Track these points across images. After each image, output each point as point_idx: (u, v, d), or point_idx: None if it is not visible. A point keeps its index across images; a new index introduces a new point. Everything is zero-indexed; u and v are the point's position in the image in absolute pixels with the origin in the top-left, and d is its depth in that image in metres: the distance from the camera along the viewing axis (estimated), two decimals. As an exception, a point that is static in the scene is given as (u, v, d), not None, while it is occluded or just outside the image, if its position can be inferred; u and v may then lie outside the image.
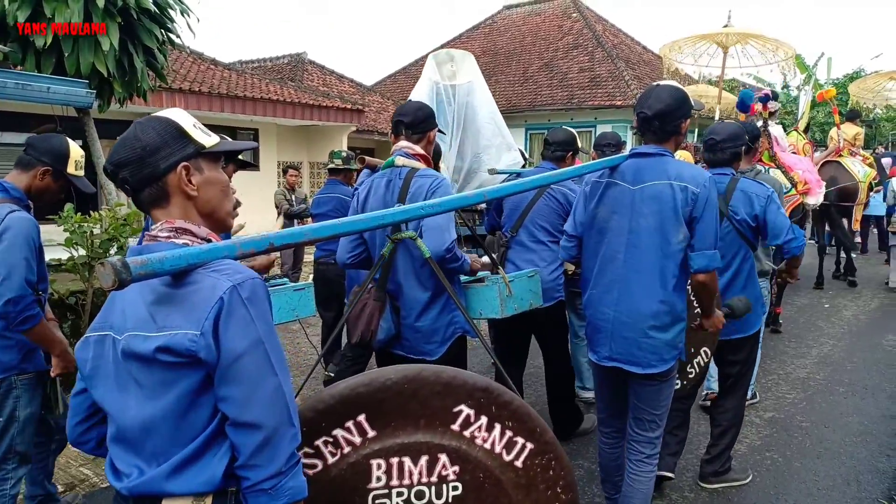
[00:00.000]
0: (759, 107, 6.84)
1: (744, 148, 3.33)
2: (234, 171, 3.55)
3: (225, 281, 1.27)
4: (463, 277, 3.03)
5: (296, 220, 8.04)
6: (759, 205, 3.15)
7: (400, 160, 2.79)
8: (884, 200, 8.93)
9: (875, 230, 12.01)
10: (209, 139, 1.44)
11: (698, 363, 3.23)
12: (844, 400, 4.63)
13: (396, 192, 2.74)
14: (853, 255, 9.28)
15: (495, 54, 25.46)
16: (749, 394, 4.12)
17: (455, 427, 1.74)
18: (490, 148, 6.59)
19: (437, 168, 4.22)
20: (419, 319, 2.72)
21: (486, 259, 3.44)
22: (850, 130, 9.29)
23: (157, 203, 1.38)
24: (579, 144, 3.96)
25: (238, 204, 3.29)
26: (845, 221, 8.84)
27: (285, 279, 3.69)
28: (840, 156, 8.73)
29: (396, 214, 1.97)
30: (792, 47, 7.62)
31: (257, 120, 13.98)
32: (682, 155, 6.72)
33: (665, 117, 2.49)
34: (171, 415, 1.27)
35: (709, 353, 3.17)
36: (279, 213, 8.12)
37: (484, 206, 4.68)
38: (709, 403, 4.19)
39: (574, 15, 25.08)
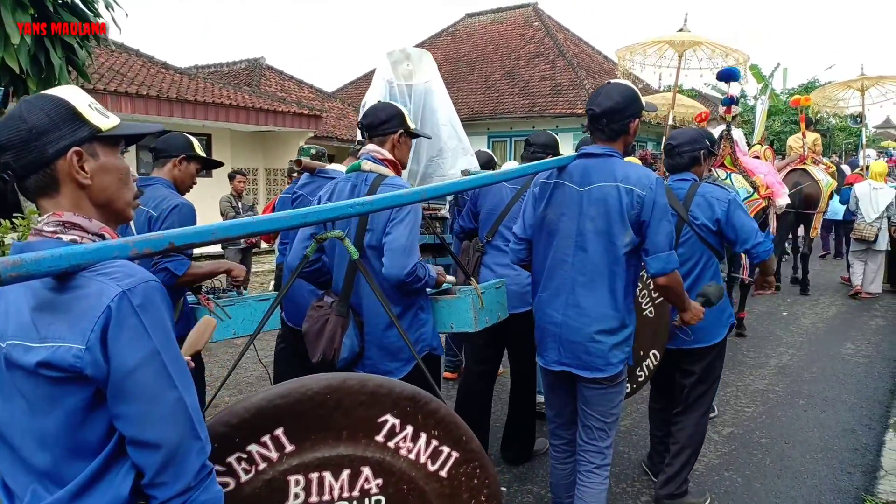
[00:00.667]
0: (722, 110, 6.78)
1: (703, 153, 3.22)
2: (199, 171, 3.27)
3: (113, 286, 1.14)
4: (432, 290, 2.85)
5: (242, 229, 7.67)
6: (720, 209, 3.07)
7: (367, 165, 2.61)
8: (842, 203, 8.98)
9: (832, 236, 12.13)
10: (106, 121, 1.30)
11: (647, 366, 3.17)
12: (804, 413, 4.48)
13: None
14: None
15: (458, 62, 25.41)
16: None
17: (379, 438, 1.66)
18: (446, 152, 6.39)
19: None
20: (384, 336, 2.54)
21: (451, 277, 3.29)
22: (808, 137, 9.26)
23: (44, 192, 1.25)
24: (559, 149, 3.87)
25: (140, 193, 2.98)
26: (802, 228, 8.90)
27: (233, 292, 3.40)
28: (804, 163, 8.73)
29: (321, 213, 1.78)
30: (745, 54, 7.52)
31: (210, 125, 13.57)
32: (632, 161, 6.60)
33: (613, 115, 2.44)
34: (62, 432, 1.16)
35: (657, 355, 3.09)
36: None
37: (446, 213, 4.59)
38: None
39: (535, 24, 25.18)
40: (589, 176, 2.46)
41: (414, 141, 6.56)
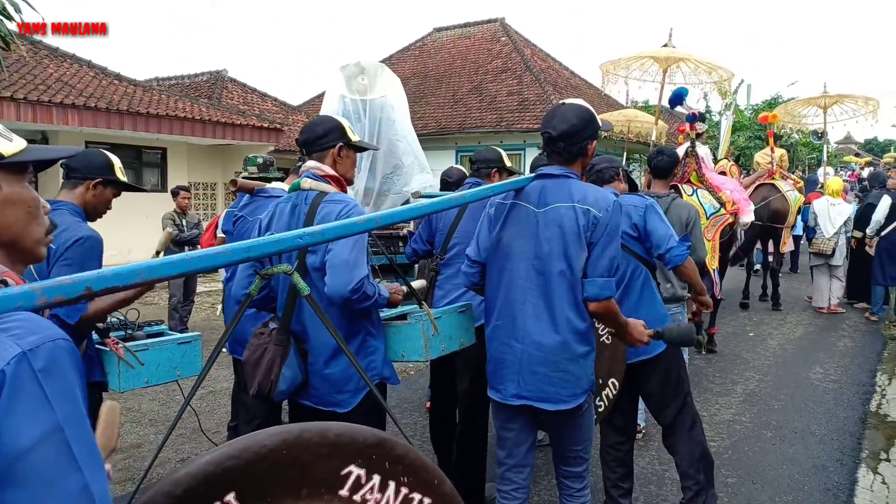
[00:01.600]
0: (686, 127, 6.81)
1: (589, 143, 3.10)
2: (116, 196, 2.91)
3: (11, 346, 0.95)
4: (385, 312, 2.66)
5: (186, 247, 7.26)
6: (637, 215, 3.05)
7: (307, 183, 2.44)
8: (803, 221, 9.07)
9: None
10: (9, 145, 1.11)
11: (607, 395, 3.05)
12: (773, 447, 4.22)
13: (302, 218, 2.38)
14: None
15: (425, 76, 25.25)
16: (639, 420, 4.01)
17: (344, 492, 1.48)
18: (401, 168, 6.16)
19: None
20: (329, 365, 2.36)
21: (418, 283, 3.10)
22: (776, 153, 9.39)
23: None
24: (508, 163, 3.76)
25: (53, 227, 2.65)
26: (771, 244, 8.96)
27: (164, 326, 3.05)
28: (773, 178, 8.85)
29: (265, 245, 1.60)
30: (729, 71, 7.55)
31: (165, 138, 13.11)
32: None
33: (571, 138, 2.36)
34: None
35: (617, 383, 2.98)
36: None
37: (408, 230, 4.46)
38: (640, 436, 4.13)
39: (503, 39, 25.18)
40: (546, 197, 2.37)
41: (369, 157, 6.28)
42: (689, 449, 3.06)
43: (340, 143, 2.48)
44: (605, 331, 2.96)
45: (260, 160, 4.55)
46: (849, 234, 8.58)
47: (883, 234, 7.94)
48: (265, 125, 14.18)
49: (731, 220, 6.35)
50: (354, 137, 2.58)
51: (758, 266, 9.81)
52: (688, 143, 6.15)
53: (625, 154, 11.45)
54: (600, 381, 2.97)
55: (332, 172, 2.47)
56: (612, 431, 3.21)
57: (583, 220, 2.28)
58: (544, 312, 2.32)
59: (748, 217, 6.61)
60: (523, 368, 2.35)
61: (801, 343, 6.97)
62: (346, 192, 2.52)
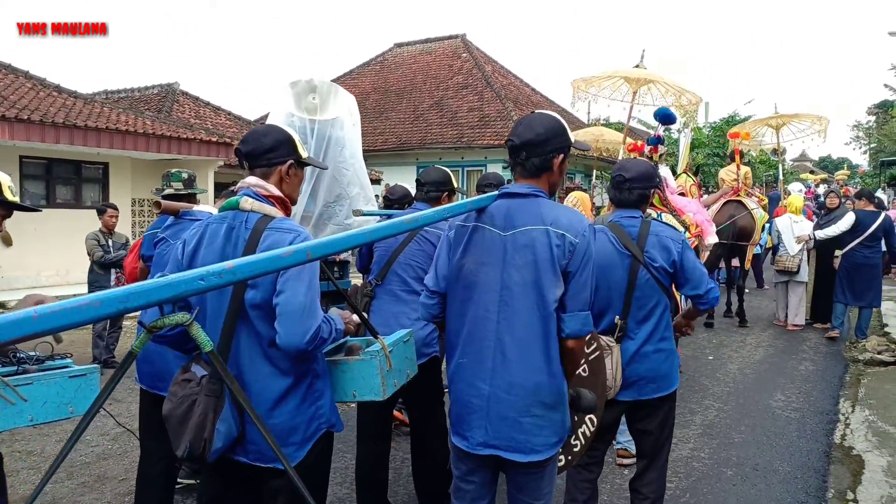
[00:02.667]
0: (647, 149, 6.84)
1: (653, 191, 3.01)
2: (6, 216, 2.61)
3: None
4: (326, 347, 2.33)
5: (113, 270, 6.73)
6: (676, 250, 2.84)
7: (247, 202, 2.10)
8: (768, 234, 9.13)
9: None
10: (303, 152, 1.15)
11: (583, 433, 2.79)
12: (733, 488, 3.90)
13: (241, 245, 2.05)
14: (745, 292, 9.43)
15: (386, 91, 25.01)
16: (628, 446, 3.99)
17: None
18: (345, 199, 5.78)
19: None
20: (272, 414, 2.04)
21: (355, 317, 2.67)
22: (741, 170, 9.46)
23: None
24: (455, 184, 3.60)
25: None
26: (736, 261, 9.02)
27: (68, 360, 2.63)
28: (738, 195, 8.89)
29: (152, 292, 1.35)
30: (697, 95, 7.57)
31: (106, 153, 12.51)
32: (579, 196, 6.52)
33: (534, 148, 2.13)
34: None
35: (594, 420, 2.76)
36: (92, 262, 6.76)
37: (347, 256, 4.31)
38: (624, 462, 4.09)
39: (464, 55, 25.09)
40: (513, 219, 2.11)
41: (311, 181, 5.82)
42: (659, 483, 2.98)
43: (291, 160, 2.18)
44: (583, 362, 2.70)
45: (185, 175, 4.13)
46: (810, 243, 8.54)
47: (845, 251, 7.84)
48: (214, 139, 13.64)
49: (695, 244, 6.19)
50: (304, 154, 2.27)
51: (721, 283, 9.79)
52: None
53: (594, 172, 11.47)
54: (576, 419, 2.73)
55: (276, 192, 2.16)
56: (588, 452, 2.99)
57: (557, 245, 2.05)
58: (513, 350, 2.07)
59: (712, 238, 6.50)
60: (492, 413, 2.09)
61: (761, 367, 6.72)
62: (289, 215, 2.21)
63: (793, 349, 7.52)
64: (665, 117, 7.05)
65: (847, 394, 5.76)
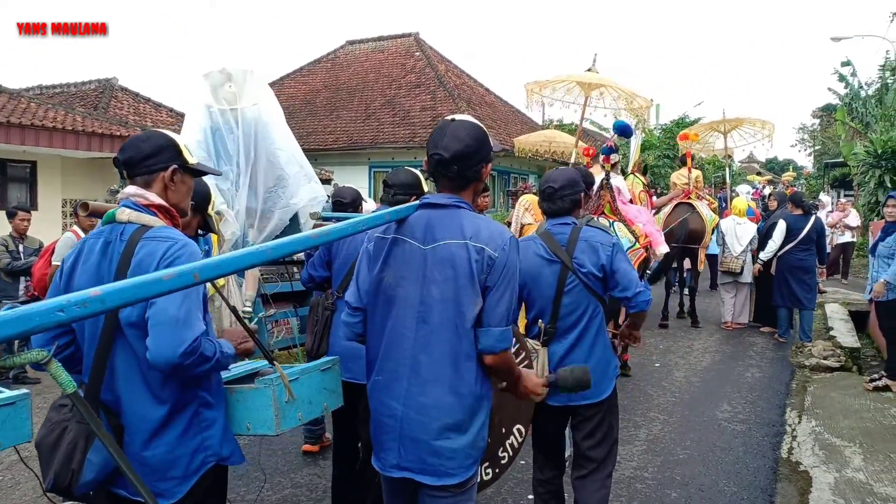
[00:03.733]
0: (601, 159, 6.82)
1: (583, 194, 3.04)
2: None
3: None
4: (237, 369, 2.25)
5: (23, 278, 6.20)
6: (605, 254, 2.83)
7: (125, 213, 1.96)
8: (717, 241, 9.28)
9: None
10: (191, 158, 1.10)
11: (511, 445, 2.74)
12: (677, 512, 3.69)
13: (115, 259, 1.91)
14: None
15: (337, 89, 24.53)
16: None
17: None
18: (286, 179, 5.49)
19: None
20: (149, 446, 1.90)
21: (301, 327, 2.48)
22: (692, 173, 9.70)
23: None
24: (425, 188, 3.31)
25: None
26: (688, 261, 9.12)
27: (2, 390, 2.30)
28: (689, 198, 9.04)
29: (16, 322, 1.20)
30: (648, 100, 7.63)
31: (34, 151, 11.81)
32: (531, 199, 6.52)
33: (466, 160, 2.05)
34: None
35: (523, 431, 2.74)
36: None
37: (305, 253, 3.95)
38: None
39: (417, 54, 24.77)
40: (433, 231, 2.03)
41: (248, 173, 5.42)
42: (599, 497, 2.90)
43: (174, 166, 2.04)
44: None
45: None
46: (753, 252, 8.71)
47: (779, 254, 7.96)
48: (151, 137, 13.03)
49: (644, 255, 6.21)
50: (192, 159, 2.12)
51: (674, 284, 9.86)
52: (602, 175, 6.00)
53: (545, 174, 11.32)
54: (503, 430, 2.70)
55: (158, 201, 2.02)
56: (546, 465, 3.01)
57: (476, 260, 1.97)
58: (428, 369, 1.99)
59: (662, 248, 6.60)
60: (404, 434, 2.01)
61: (708, 374, 6.59)
62: (178, 226, 2.06)
63: (739, 355, 7.43)
64: (622, 130, 7.18)
65: (793, 402, 5.64)
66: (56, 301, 1.26)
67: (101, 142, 12.22)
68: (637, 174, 8.95)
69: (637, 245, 5.94)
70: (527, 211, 6.49)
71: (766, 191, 20.03)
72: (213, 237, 4.02)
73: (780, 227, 7.97)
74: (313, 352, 3.32)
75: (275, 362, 2.17)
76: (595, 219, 4.24)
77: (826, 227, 13.63)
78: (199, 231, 3.44)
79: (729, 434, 4.91)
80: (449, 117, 2.15)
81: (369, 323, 2.15)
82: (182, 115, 18.81)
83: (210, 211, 3.33)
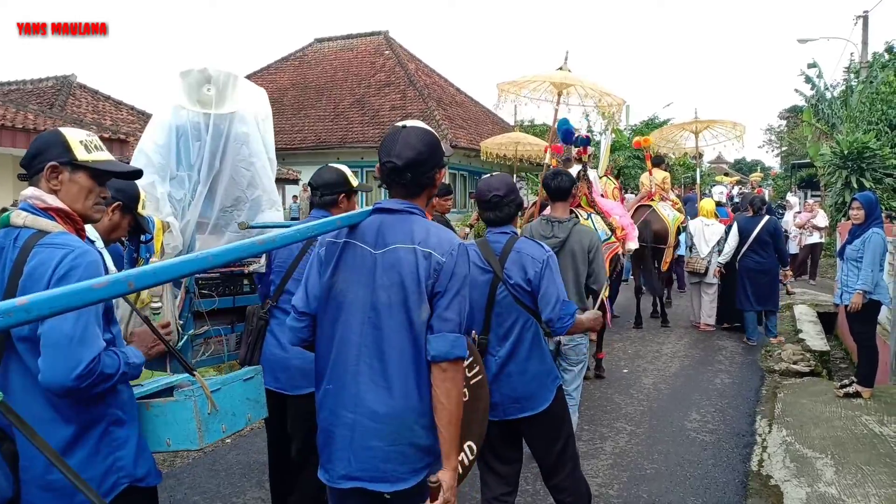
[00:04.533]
0: (575, 151, 6.87)
1: (520, 201, 3.03)
2: None
3: None
4: (144, 388, 2.11)
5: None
6: (533, 269, 2.77)
7: (20, 217, 1.85)
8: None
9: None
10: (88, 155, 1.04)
11: (461, 462, 2.52)
12: (643, 534, 3.48)
13: (8, 267, 1.80)
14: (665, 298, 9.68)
15: (305, 88, 24.18)
16: None
17: None
18: (244, 203, 5.13)
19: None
20: (53, 469, 1.70)
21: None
22: (658, 175, 9.71)
23: None
24: (353, 183, 3.23)
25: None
26: (655, 262, 9.07)
27: None
28: (652, 200, 9.11)
29: None
30: (619, 98, 7.48)
31: (-20, 150, 11.30)
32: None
33: (419, 167, 2.04)
34: None
35: (474, 448, 2.59)
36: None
37: (260, 266, 3.87)
38: None
39: (386, 52, 24.52)
40: (384, 236, 2.02)
41: (207, 183, 5.17)
42: (575, 487, 2.93)
43: (52, 163, 1.86)
44: (464, 387, 2.43)
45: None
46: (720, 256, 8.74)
47: (739, 257, 7.96)
48: (107, 136, 12.58)
49: (619, 248, 6.20)
50: (86, 156, 1.92)
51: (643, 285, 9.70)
52: (579, 167, 5.93)
53: (514, 175, 11.30)
54: None
55: (56, 204, 1.87)
56: (497, 483, 2.95)
57: (423, 265, 1.96)
58: (380, 375, 1.96)
59: (633, 244, 6.55)
60: (355, 443, 1.96)
61: (676, 381, 6.42)
62: (81, 233, 1.93)
63: (708, 359, 7.29)
64: (565, 136, 7.11)
65: (763, 410, 5.50)
66: (21, 300, 1.22)
67: (53, 140, 11.77)
68: (610, 177, 9.31)
69: (613, 238, 5.93)
70: None
71: (735, 191, 20.15)
72: (157, 246, 3.83)
73: (733, 230, 8.05)
74: (245, 362, 3.19)
75: (195, 372, 2.08)
76: (578, 223, 4.21)
77: (793, 227, 13.73)
78: (142, 237, 3.23)
79: (698, 446, 4.73)
80: (400, 124, 2.13)
81: (319, 330, 2.10)
82: (144, 114, 18.38)
83: (140, 210, 3.20)
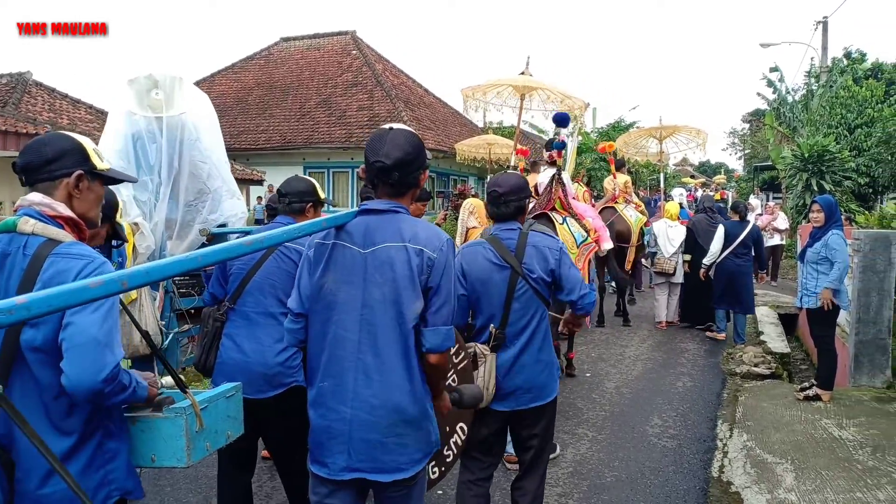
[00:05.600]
0: (546, 154, 6.82)
1: (527, 200, 3.11)
2: None
3: None
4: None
5: None
6: (553, 258, 2.92)
7: (28, 224, 1.80)
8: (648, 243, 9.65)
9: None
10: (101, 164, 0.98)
11: (455, 443, 2.84)
12: (602, 546, 3.40)
13: (17, 275, 1.77)
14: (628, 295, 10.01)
15: (271, 87, 23.82)
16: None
17: None
18: (206, 194, 5.20)
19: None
20: (48, 483, 1.76)
21: (167, 379, 2.26)
22: (621, 178, 10.07)
23: None
24: (321, 194, 3.34)
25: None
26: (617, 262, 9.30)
27: None
28: (616, 202, 9.42)
29: None
30: (581, 100, 7.64)
31: (-75, 149, 10.86)
32: (475, 203, 6.59)
33: (406, 167, 2.15)
34: None
35: (465, 429, 2.83)
36: None
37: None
38: (512, 466, 3.95)
39: (354, 52, 24.28)
40: (372, 235, 2.13)
41: (170, 182, 5.12)
42: (539, 491, 3.05)
43: (79, 171, 1.88)
44: (452, 372, 2.75)
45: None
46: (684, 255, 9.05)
47: (717, 261, 8.15)
48: (61, 135, 12.18)
49: (595, 249, 6.22)
50: (102, 164, 1.96)
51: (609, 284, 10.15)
52: (554, 170, 5.98)
53: (488, 177, 11.45)
54: (448, 429, 2.77)
55: (66, 212, 1.86)
56: (477, 467, 3.01)
57: (416, 261, 2.07)
58: (375, 369, 2.07)
59: (607, 244, 6.67)
60: (354, 436, 2.07)
61: (639, 385, 6.39)
62: (85, 239, 1.91)
63: (671, 362, 7.28)
64: (560, 120, 7.03)
65: (724, 414, 5.48)
66: (38, 295, 1.31)
67: (4, 140, 11.38)
68: (580, 183, 9.90)
69: (589, 239, 5.99)
70: (471, 214, 6.44)
71: (699, 193, 20.40)
72: (129, 249, 3.80)
73: (719, 233, 8.17)
74: (200, 364, 3.16)
75: (187, 390, 2.05)
76: (535, 223, 4.23)
77: (757, 230, 13.94)
78: (113, 242, 3.23)
79: (659, 452, 4.68)
80: (386, 126, 2.21)
81: (310, 329, 2.18)
82: (103, 112, 17.91)
83: (118, 219, 3.25)
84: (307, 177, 3.43)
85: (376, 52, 25.41)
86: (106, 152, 3.65)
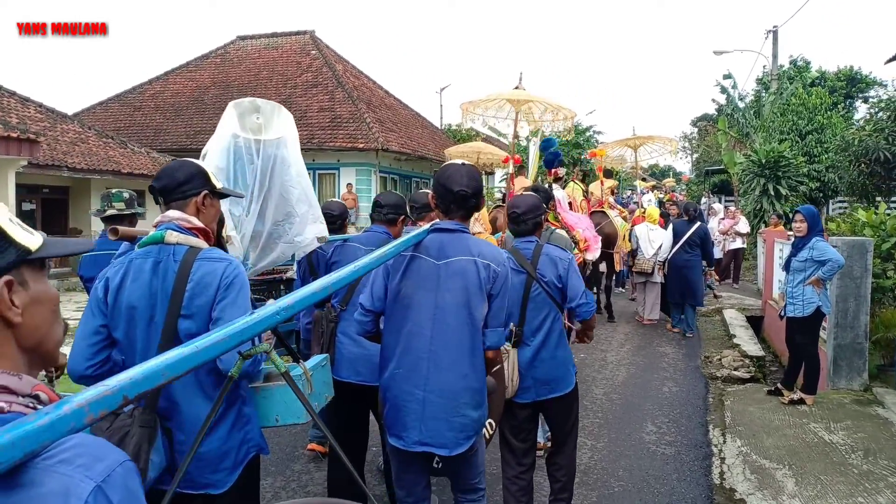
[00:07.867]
0: (552, 171, 7.85)
1: (543, 217, 3.51)
2: None
3: (82, 479, 0.83)
4: None
5: None
6: (562, 267, 3.30)
7: (173, 236, 2.16)
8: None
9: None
10: (33, 239, 1.01)
11: (484, 435, 2.95)
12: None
13: (170, 278, 2.13)
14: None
15: (227, 87, 23.23)
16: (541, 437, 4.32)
17: None
18: (294, 217, 5.26)
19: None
20: (204, 443, 2.02)
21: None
22: (609, 183, 10.97)
23: None
24: (408, 210, 3.88)
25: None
26: (604, 264, 9.94)
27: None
28: (603, 207, 10.16)
29: (253, 326, 1.57)
30: (572, 111, 8.20)
31: None
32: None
33: (478, 195, 2.61)
34: None
35: (493, 424, 3.06)
36: None
37: (294, 273, 4.51)
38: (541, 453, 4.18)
39: (313, 52, 23.93)
40: (446, 250, 2.53)
41: (260, 201, 5.19)
42: (570, 463, 3.49)
43: (205, 191, 2.29)
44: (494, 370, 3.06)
45: (126, 195, 4.11)
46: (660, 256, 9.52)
47: (668, 257, 9.13)
48: (15, 135, 11.63)
49: (582, 259, 6.65)
50: (219, 184, 2.38)
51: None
52: (562, 193, 6.53)
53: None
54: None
55: (199, 224, 2.26)
56: (516, 463, 3.37)
57: (484, 273, 2.48)
58: (446, 360, 2.44)
59: (594, 254, 7.13)
60: (426, 415, 2.44)
61: (626, 390, 6.48)
62: (212, 245, 2.29)
63: (653, 366, 7.40)
64: (546, 145, 8.08)
65: (714, 419, 5.60)
66: (273, 307, 1.67)
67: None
68: (577, 182, 10.54)
69: (576, 250, 6.29)
70: (476, 220, 6.42)
71: (651, 195, 20.86)
72: None
73: (668, 233, 9.24)
74: None
75: (300, 360, 2.30)
76: (555, 231, 4.99)
77: (717, 233, 14.28)
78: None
79: (660, 460, 4.74)
80: (457, 161, 2.68)
81: (387, 324, 2.58)
82: (54, 111, 17.24)
83: (224, 233, 3.55)
84: (397, 193, 3.82)
85: (336, 53, 25.09)
86: (212, 169, 3.85)
